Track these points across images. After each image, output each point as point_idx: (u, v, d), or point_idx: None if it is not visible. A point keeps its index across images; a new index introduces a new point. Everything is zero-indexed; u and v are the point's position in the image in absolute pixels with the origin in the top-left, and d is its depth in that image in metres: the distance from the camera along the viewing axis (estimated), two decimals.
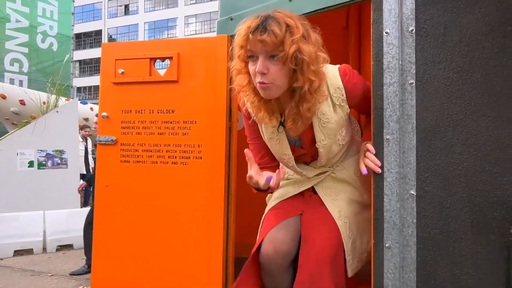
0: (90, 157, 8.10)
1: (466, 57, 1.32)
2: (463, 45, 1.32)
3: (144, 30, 40.14)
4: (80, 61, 40.30)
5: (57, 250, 5.83)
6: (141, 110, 1.96)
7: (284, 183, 1.57)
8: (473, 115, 1.31)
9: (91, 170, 8.17)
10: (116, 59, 1.96)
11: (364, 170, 1.32)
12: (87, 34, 41.59)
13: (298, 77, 1.20)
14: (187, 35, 37.98)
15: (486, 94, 1.32)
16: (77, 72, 40.29)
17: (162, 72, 1.95)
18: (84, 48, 41.45)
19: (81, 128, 7.89)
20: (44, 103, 7.17)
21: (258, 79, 1.19)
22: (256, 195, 1.52)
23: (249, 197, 2.46)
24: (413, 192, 1.30)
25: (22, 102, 7.65)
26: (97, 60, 41.54)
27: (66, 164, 6.88)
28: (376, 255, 1.35)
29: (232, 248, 1.88)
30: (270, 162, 1.51)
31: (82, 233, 5.91)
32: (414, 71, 1.31)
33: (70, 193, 6.80)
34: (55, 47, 13.41)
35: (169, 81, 1.91)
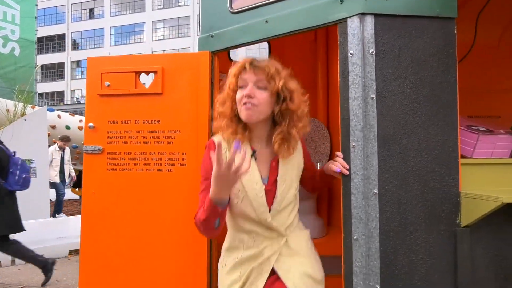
0: (66, 166, 8.00)
1: (417, 75, 1.55)
2: (415, 65, 1.56)
3: (110, 34, 39.29)
4: (42, 66, 38.86)
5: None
6: (127, 120, 2.07)
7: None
8: (424, 124, 1.55)
9: (66, 180, 8.10)
10: (102, 72, 2.07)
11: (337, 169, 1.49)
12: (49, 38, 40.20)
13: (289, 104, 1.39)
14: (155, 40, 37.55)
15: (435, 106, 1.56)
16: (38, 77, 38.82)
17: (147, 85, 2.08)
18: (46, 52, 40.03)
19: (61, 139, 7.83)
20: (7, 110, 6.95)
21: (244, 100, 1.36)
22: None
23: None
24: (375, 191, 1.51)
25: None
26: (60, 65, 40.20)
27: (35, 173, 6.73)
28: (345, 246, 1.55)
29: (216, 251, 2.03)
30: None
31: (52, 244, 5.83)
32: (375, 87, 1.53)
33: (39, 203, 6.65)
34: (17, 52, 12.96)
35: (154, 93, 2.05)
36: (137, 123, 2.07)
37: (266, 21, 1.82)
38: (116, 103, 2.09)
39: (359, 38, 1.54)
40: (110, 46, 38.91)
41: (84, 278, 2.10)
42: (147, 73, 2.08)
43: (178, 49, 35.99)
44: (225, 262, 1.48)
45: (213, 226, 1.30)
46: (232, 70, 1.41)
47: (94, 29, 39.53)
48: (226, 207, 1.31)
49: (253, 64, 1.38)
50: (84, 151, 2.11)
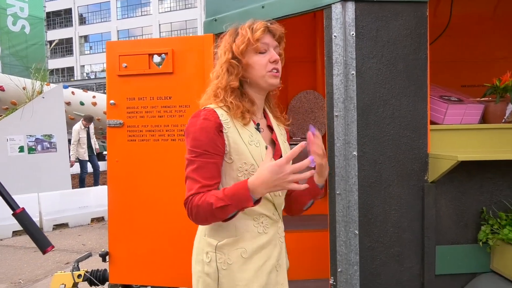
0: (92, 141, 8.44)
1: (392, 53, 1.80)
2: (390, 44, 1.80)
3: (116, 8, 39.00)
4: (50, 41, 39.02)
5: (53, 229, 6.21)
6: (143, 97, 2.37)
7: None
8: (397, 96, 1.81)
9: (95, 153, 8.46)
10: (119, 55, 2.35)
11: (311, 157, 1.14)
12: (56, 13, 40.16)
13: None
14: (162, 12, 37.20)
15: (407, 80, 1.82)
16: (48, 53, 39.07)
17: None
18: (54, 28, 40.09)
19: (84, 119, 8.17)
20: (24, 88, 7.28)
21: (271, 66, 1.27)
22: None
23: None
24: (355, 153, 1.80)
25: (1, 88, 7.74)
26: (68, 41, 40.28)
27: (56, 148, 7.15)
28: (330, 200, 1.86)
29: None
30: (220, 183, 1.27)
31: (75, 213, 6.29)
32: (355, 65, 1.78)
33: (60, 176, 7.11)
34: (27, 30, 13.18)
35: (165, 73, 2.32)
36: (152, 99, 2.36)
37: (263, 7, 2.06)
38: (133, 82, 2.37)
39: (341, 22, 1.78)
40: (117, 19, 38.75)
41: (113, 238, 2.46)
42: (159, 54, 2.35)
43: (186, 20, 35.69)
44: (231, 259, 1.25)
45: (226, 217, 1.15)
46: (253, 36, 1.25)
47: (100, 3, 39.28)
48: (257, 204, 1.15)
49: (272, 28, 1.31)
50: (107, 125, 2.42)
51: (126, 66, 2.36)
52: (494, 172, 1.90)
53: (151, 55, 2.35)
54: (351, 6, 1.77)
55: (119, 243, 2.45)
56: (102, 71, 36.68)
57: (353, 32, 1.78)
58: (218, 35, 2.30)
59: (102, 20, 39.51)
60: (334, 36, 1.80)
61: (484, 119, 2.08)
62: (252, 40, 1.26)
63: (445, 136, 1.91)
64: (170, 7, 37.14)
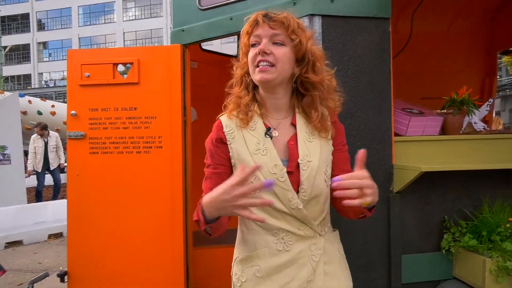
0: (51, 154, 7.64)
1: (357, 67, 1.84)
2: (356, 58, 1.84)
3: (79, 14, 37.88)
4: (4, 47, 37.17)
5: (6, 247, 5.82)
6: (107, 108, 2.29)
7: None
8: (363, 108, 1.85)
9: (51, 167, 7.69)
10: (82, 64, 2.26)
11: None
12: (12, 18, 38.41)
13: (310, 74, 1.13)
14: (126, 21, 36.53)
15: (372, 93, 1.86)
16: (2, 59, 37.21)
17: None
18: (10, 33, 38.30)
19: (36, 126, 7.38)
20: None
21: (257, 59, 1.08)
22: None
23: (202, 177, 2.89)
24: None
25: None
26: (25, 47, 38.60)
27: (9, 160, 6.75)
28: None
29: (191, 220, 2.31)
30: None
31: (31, 229, 5.90)
32: None
33: (15, 189, 6.69)
34: None
35: (131, 83, 2.26)
36: (116, 110, 2.28)
37: (231, 18, 2.06)
38: (96, 92, 2.29)
39: None
40: (79, 26, 37.61)
41: (72, 256, 2.33)
42: (124, 64, 2.29)
43: (151, 29, 35.22)
44: (244, 277, 1.15)
45: (204, 231, 1.07)
46: (244, 28, 1.14)
47: (61, 9, 38.00)
48: (216, 224, 1.03)
49: (268, 16, 1.10)
50: (68, 137, 2.31)
51: (88, 76, 2.27)
52: (455, 182, 1.97)
53: (115, 65, 2.28)
54: (318, 20, 1.80)
55: (79, 261, 2.33)
56: (62, 79, 35.35)
57: (320, 45, 1.81)
58: (186, 46, 2.27)
59: (63, 27, 38.19)
60: None
61: (443, 131, 2.17)
62: (242, 34, 1.14)
63: (408, 148, 1.97)
64: (135, 15, 36.54)
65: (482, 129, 2.27)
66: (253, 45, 1.12)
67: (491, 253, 1.75)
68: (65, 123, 7.71)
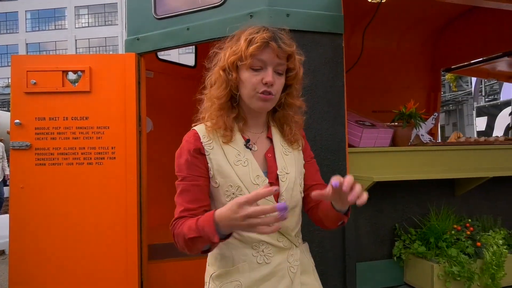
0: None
1: (312, 80, 1.89)
2: (310, 72, 1.89)
3: (26, 19, 35.98)
4: (12, 55, 34.43)
5: None
6: (55, 117, 2.17)
7: None
8: (318, 120, 1.90)
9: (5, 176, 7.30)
10: (27, 71, 2.13)
11: (335, 182, 0.90)
12: None
13: (294, 98, 1.18)
14: (79, 27, 35.21)
15: (326, 105, 1.92)
16: None
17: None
18: None
19: None
20: None
21: (262, 88, 1.09)
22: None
23: (158, 189, 2.81)
24: None
25: None
26: None
27: None
28: None
29: (145, 233, 2.23)
30: (209, 208, 1.15)
31: None
32: None
33: None
34: None
35: (82, 91, 2.16)
36: (65, 119, 2.17)
37: (188, 29, 2.04)
38: (43, 100, 2.17)
39: None
40: (26, 31, 35.70)
41: (14, 275, 2.16)
42: (75, 72, 2.19)
43: (105, 37, 34.18)
44: None
45: (200, 249, 1.04)
46: (249, 49, 1.09)
47: (6, 13, 35.91)
48: (225, 239, 1.01)
49: (278, 43, 1.08)
50: (11, 147, 2.16)
51: (35, 83, 2.15)
52: (404, 191, 2.07)
53: (65, 72, 2.18)
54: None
55: (22, 280, 2.16)
56: (7, 86, 33.23)
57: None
58: (141, 55, 2.22)
59: (8, 32, 36.07)
60: None
61: (393, 143, 2.28)
62: (244, 54, 1.09)
63: (361, 158, 2.04)
64: (88, 22, 35.30)
65: (428, 141, 2.41)
66: (255, 69, 1.10)
67: (439, 259, 1.84)
68: (8, 132, 7.24)
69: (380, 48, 3.86)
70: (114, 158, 2.18)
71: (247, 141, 1.15)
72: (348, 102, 3.57)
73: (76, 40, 34.61)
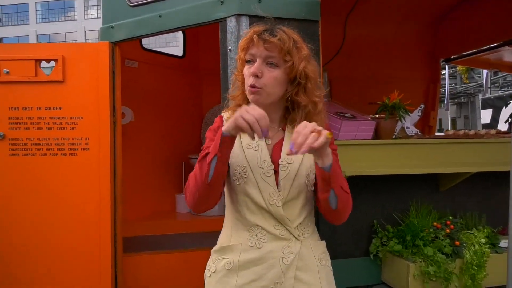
0: None
1: None
2: None
3: (36, 10, 36.26)
4: None
5: None
6: (29, 107, 2.13)
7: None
8: None
9: None
10: (0, 60, 2.09)
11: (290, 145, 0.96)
12: None
13: (300, 95, 1.14)
14: (88, 19, 35.36)
15: None
16: None
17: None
18: None
19: None
20: None
21: (250, 81, 1.12)
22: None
23: (138, 181, 2.77)
24: None
25: None
26: None
27: None
28: None
29: (120, 226, 2.19)
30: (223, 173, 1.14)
31: None
32: None
33: None
34: None
35: (55, 81, 2.11)
36: (39, 109, 2.13)
37: (160, 16, 1.97)
38: (16, 90, 2.13)
39: (235, 36, 1.75)
40: (37, 23, 35.99)
41: None
42: (48, 61, 2.14)
43: None
44: (215, 267, 1.18)
45: (208, 170, 1.06)
46: (240, 43, 1.16)
47: (17, 4, 36.22)
48: (231, 140, 1.05)
49: (262, 36, 1.10)
50: None
51: (8, 72, 2.11)
52: (384, 186, 1.98)
53: (38, 61, 2.13)
54: (245, 20, 1.75)
55: None
56: None
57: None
58: (115, 43, 2.16)
59: (19, 23, 36.42)
60: (229, 49, 1.76)
61: (376, 135, 2.19)
62: (238, 49, 1.16)
63: (339, 152, 1.96)
64: (97, 13, 35.40)
65: (414, 134, 2.31)
66: (248, 62, 1.14)
67: (415, 258, 1.76)
68: None
69: (377, 37, 3.73)
70: (88, 149, 2.14)
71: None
72: (344, 94, 3.47)
73: (85, 31, 34.78)
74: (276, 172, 1.15)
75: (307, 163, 1.17)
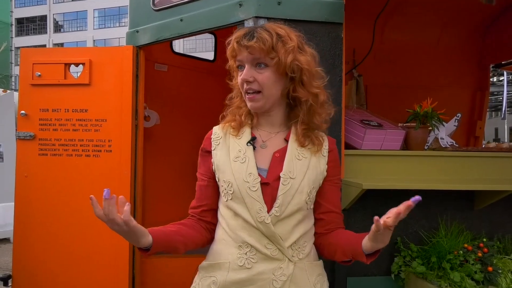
0: None
1: None
2: None
3: (94, 17, 38.57)
4: (21, 48, 37.90)
5: None
6: (57, 109, 2.21)
7: None
8: None
9: None
10: (33, 63, 2.20)
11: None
12: (30, 20, 39.28)
13: (298, 89, 1.09)
14: None
15: None
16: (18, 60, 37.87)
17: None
18: (27, 34, 39.16)
19: None
20: None
21: (244, 87, 1.08)
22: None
23: (159, 184, 2.78)
24: None
25: None
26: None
27: (2, 158, 6.76)
28: None
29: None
30: (209, 207, 1.17)
31: None
32: None
33: (6, 187, 6.68)
34: None
35: (82, 84, 2.18)
36: (66, 111, 2.21)
37: (181, 20, 1.97)
38: (47, 92, 2.22)
39: None
40: (94, 29, 38.27)
41: (17, 260, 2.25)
42: (76, 64, 2.21)
43: None
44: (200, 286, 1.12)
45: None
46: (227, 52, 1.12)
47: (77, 11, 38.75)
48: (151, 251, 1.06)
49: (241, 43, 1.05)
50: (17, 137, 2.24)
51: (40, 75, 2.21)
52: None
53: (67, 65, 2.21)
54: (263, 23, 1.69)
55: (24, 265, 2.24)
56: None
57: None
58: (140, 47, 2.19)
59: (78, 29, 38.91)
60: None
61: (406, 146, 2.03)
62: (227, 56, 1.14)
63: (362, 162, 1.84)
64: None
65: (449, 145, 2.13)
66: (240, 67, 1.11)
67: (441, 282, 1.60)
68: None
69: (418, 43, 3.52)
70: (111, 151, 2.18)
71: (252, 139, 1.12)
72: (382, 101, 3.30)
73: None
74: (267, 184, 1.07)
75: (310, 178, 1.10)
